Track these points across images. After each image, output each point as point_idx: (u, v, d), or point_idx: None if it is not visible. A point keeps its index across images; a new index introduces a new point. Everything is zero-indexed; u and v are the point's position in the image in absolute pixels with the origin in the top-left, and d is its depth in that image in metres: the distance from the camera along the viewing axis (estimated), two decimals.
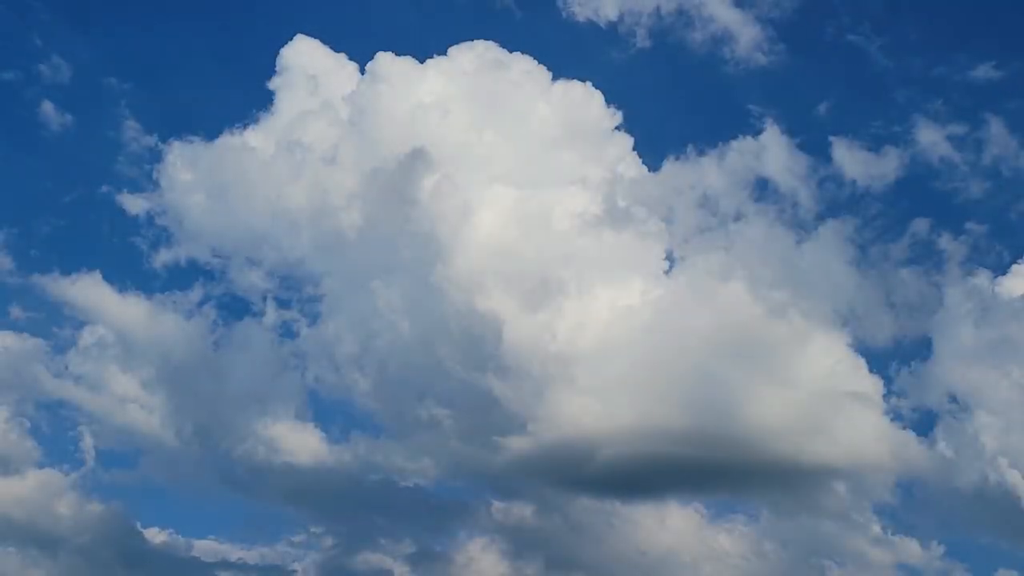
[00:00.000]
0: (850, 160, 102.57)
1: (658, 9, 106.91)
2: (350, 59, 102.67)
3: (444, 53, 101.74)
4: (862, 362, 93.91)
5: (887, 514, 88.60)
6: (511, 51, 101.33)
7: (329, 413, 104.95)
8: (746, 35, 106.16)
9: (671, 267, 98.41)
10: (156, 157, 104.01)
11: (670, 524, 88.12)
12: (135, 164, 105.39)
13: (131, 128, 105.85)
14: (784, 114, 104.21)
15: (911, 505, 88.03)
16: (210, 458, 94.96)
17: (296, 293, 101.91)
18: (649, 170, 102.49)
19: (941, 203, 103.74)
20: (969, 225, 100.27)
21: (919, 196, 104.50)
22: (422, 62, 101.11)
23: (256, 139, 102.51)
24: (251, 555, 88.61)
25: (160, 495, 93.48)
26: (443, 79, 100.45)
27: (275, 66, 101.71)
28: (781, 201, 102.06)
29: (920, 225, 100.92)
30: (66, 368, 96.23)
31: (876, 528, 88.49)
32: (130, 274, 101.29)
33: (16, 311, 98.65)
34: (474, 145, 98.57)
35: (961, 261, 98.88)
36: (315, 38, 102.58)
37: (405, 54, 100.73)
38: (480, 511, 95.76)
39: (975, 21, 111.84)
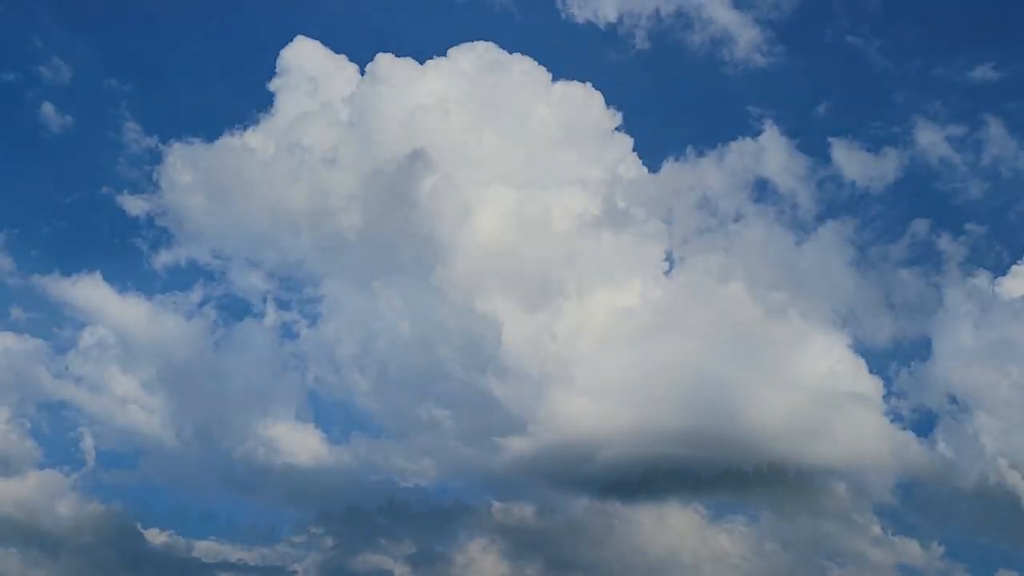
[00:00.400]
0: (849, 161, 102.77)
1: (657, 11, 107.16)
2: (350, 60, 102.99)
3: (444, 54, 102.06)
4: (862, 363, 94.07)
5: (887, 514, 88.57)
6: (511, 52, 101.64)
7: (329, 414, 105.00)
8: (745, 36, 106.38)
9: (671, 268, 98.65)
10: (156, 158, 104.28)
11: (670, 525, 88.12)
12: (135, 165, 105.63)
13: (131, 129, 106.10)
14: (783, 115, 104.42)
15: (911, 505, 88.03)
16: (211, 459, 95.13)
17: (296, 294, 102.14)
18: (649, 171, 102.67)
19: (940, 204, 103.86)
20: (968, 226, 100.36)
21: (918, 197, 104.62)
22: (422, 63, 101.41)
23: (256, 140, 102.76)
24: (251, 556, 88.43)
25: (161, 496, 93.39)
26: (443, 80, 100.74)
27: (275, 67, 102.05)
28: (780, 202, 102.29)
29: (919, 226, 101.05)
30: (67, 369, 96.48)
31: (876, 529, 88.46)
32: (130, 275, 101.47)
33: (17, 312, 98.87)
34: (474, 146, 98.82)
35: (960, 262, 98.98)
36: (315, 39, 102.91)
37: (405, 55, 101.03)
38: (480, 512, 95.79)
39: (974, 22, 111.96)
